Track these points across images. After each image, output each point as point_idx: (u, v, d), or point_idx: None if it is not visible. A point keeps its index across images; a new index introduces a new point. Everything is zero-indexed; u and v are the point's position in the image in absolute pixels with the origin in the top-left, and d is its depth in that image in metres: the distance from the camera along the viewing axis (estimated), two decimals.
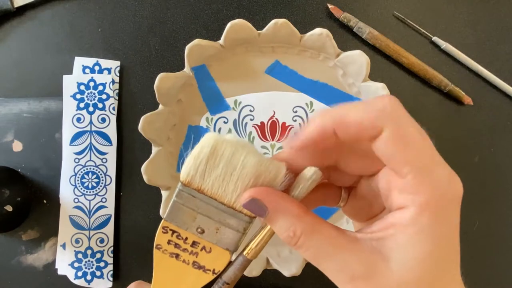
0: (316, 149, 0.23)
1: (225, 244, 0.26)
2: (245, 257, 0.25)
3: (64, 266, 0.43)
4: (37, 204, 0.44)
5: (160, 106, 0.39)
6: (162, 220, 0.26)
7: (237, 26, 0.37)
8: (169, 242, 0.27)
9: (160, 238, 0.27)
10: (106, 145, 0.43)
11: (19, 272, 0.43)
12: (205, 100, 0.40)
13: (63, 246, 0.43)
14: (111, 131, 0.43)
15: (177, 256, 0.27)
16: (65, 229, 0.43)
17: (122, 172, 0.44)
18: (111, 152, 0.43)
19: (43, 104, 0.44)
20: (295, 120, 0.40)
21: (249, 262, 0.26)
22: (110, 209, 0.43)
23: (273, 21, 0.37)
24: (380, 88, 0.36)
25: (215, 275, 0.28)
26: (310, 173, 0.23)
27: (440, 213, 0.20)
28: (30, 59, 0.45)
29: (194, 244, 0.27)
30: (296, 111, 0.40)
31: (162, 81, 0.37)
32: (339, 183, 0.27)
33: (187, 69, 0.39)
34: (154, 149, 0.39)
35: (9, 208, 0.41)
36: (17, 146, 0.44)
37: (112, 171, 0.43)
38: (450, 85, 0.43)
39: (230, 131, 0.40)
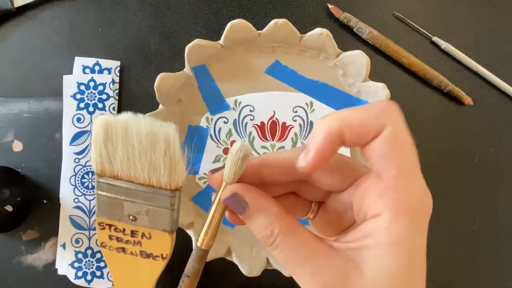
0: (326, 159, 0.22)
1: (160, 225, 0.26)
2: (199, 248, 0.25)
3: (64, 266, 0.43)
4: (37, 204, 0.44)
5: (160, 106, 0.39)
6: (96, 217, 0.26)
7: (237, 26, 0.37)
8: (110, 237, 0.27)
9: (100, 235, 0.27)
10: None
11: (19, 272, 0.43)
12: (205, 100, 0.40)
13: (63, 246, 0.43)
14: None
15: (123, 250, 0.27)
16: (65, 229, 0.43)
17: None
18: None
19: (43, 104, 0.44)
20: (295, 120, 0.40)
21: (206, 253, 0.25)
22: None
23: (273, 21, 0.37)
24: (380, 88, 0.36)
25: (165, 260, 0.27)
26: (235, 148, 0.22)
27: (414, 222, 0.20)
28: (30, 59, 0.45)
29: (133, 233, 0.27)
30: (296, 111, 0.40)
31: (162, 81, 0.37)
32: (309, 197, 0.26)
33: (187, 69, 0.39)
34: None
35: (9, 208, 0.41)
36: (17, 146, 0.44)
37: None
38: (450, 85, 0.43)
39: (230, 131, 0.40)
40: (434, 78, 0.43)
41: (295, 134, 0.40)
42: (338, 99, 0.40)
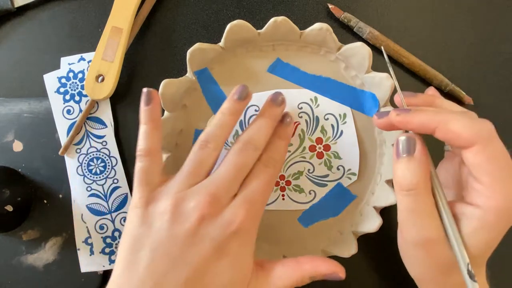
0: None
1: None
2: None
3: (90, 261, 0.43)
4: (37, 204, 0.43)
5: (166, 113, 0.38)
6: None
7: (236, 27, 0.37)
8: None
9: None
10: (101, 128, 0.44)
11: (19, 272, 0.43)
12: (210, 103, 0.40)
13: (85, 241, 0.43)
14: (101, 113, 0.44)
15: None
16: (83, 224, 0.43)
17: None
18: (108, 133, 0.43)
19: (44, 104, 0.44)
20: (301, 117, 0.40)
21: None
22: (124, 188, 0.44)
23: (272, 19, 0.36)
24: (384, 78, 0.36)
25: None
26: None
27: (501, 221, 0.27)
28: (30, 59, 0.45)
29: None
30: (301, 108, 0.40)
31: (166, 87, 0.37)
32: None
33: (189, 73, 0.39)
34: (163, 156, 0.38)
35: (9, 208, 0.41)
36: (18, 146, 0.44)
37: (115, 152, 0.44)
38: (450, 85, 0.43)
39: (236, 132, 0.40)
40: (434, 78, 0.43)
41: (302, 130, 0.40)
42: (342, 92, 0.39)
